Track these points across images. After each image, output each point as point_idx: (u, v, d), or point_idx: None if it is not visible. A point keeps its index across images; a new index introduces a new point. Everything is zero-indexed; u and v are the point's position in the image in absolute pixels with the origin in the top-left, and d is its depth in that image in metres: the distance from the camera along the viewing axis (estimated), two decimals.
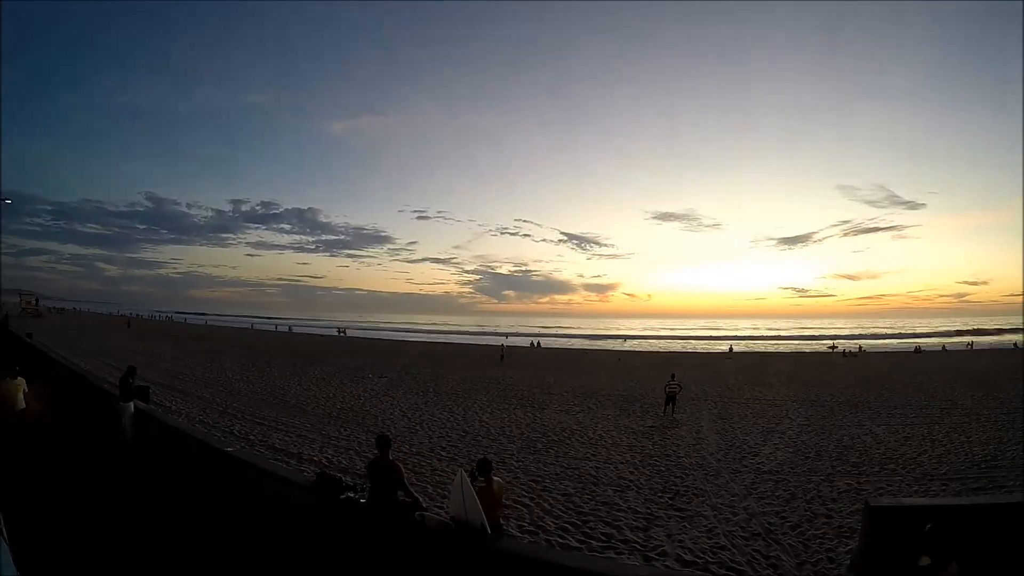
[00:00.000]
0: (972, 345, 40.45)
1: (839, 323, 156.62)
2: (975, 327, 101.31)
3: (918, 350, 47.67)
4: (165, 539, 5.32)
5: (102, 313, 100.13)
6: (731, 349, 53.93)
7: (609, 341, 74.53)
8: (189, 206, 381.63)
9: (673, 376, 16.84)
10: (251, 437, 12.01)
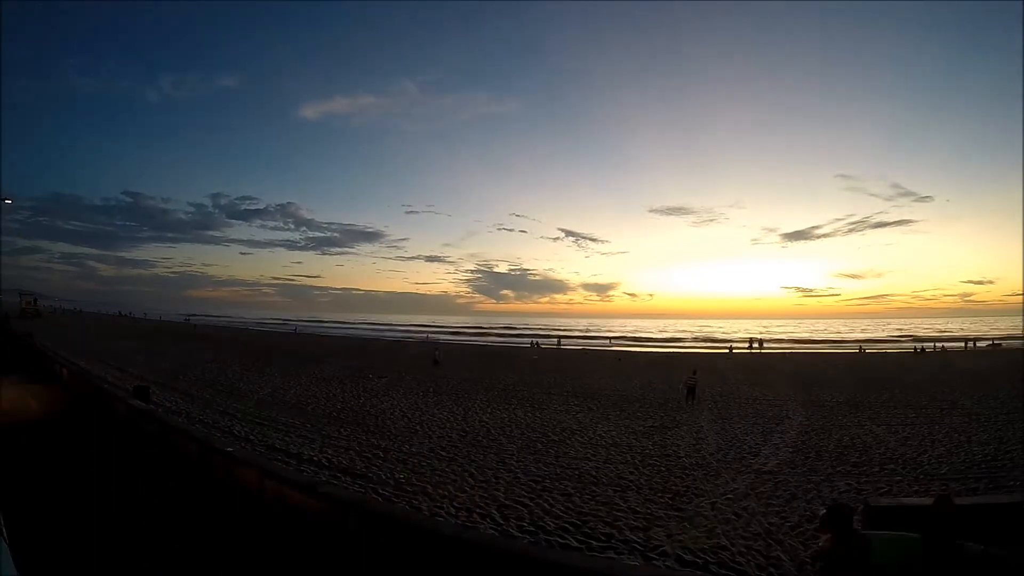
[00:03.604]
0: None
1: (842, 324, 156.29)
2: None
3: (919, 350, 47.71)
4: (164, 540, 5.32)
5: (107, 314, 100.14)
6: (731, 350, 53.97)
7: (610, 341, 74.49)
8: (165, 200, 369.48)
9: (694, 371, 19.66)
10: (251, 437, 12.02)
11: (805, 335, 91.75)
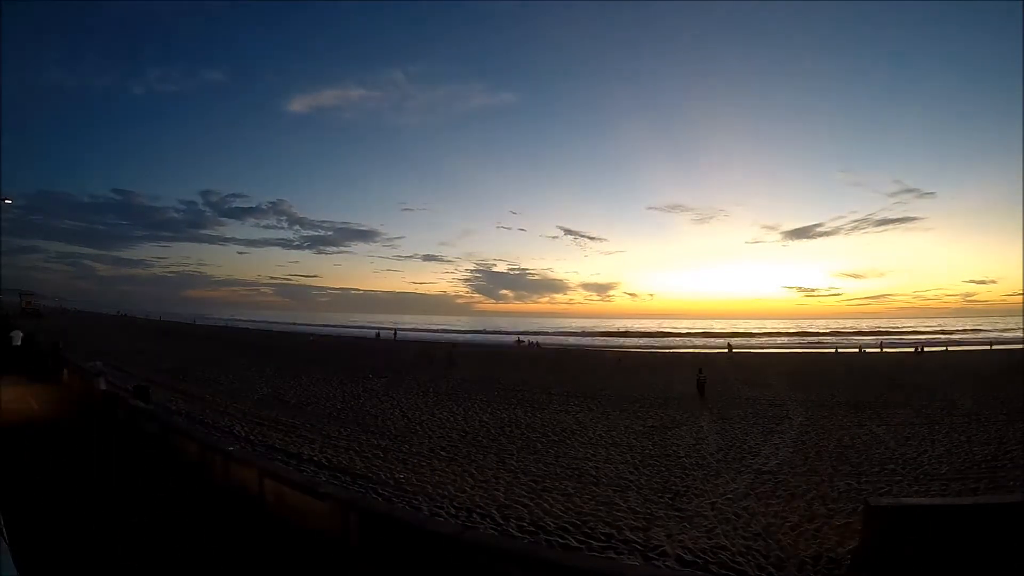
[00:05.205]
0: None
1: (842, 324, 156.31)
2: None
3: (919, 350, 47.70)
4: (164, 539, 5.33)
5: (110, 314, 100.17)
6: (731, 349, 53.97)
7: (608, 341, 74.53)
8: (154, 198, 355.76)
9: (701, 369, 21.12)
10: (251, 437, 12.02)
11: (805, 334, 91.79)
